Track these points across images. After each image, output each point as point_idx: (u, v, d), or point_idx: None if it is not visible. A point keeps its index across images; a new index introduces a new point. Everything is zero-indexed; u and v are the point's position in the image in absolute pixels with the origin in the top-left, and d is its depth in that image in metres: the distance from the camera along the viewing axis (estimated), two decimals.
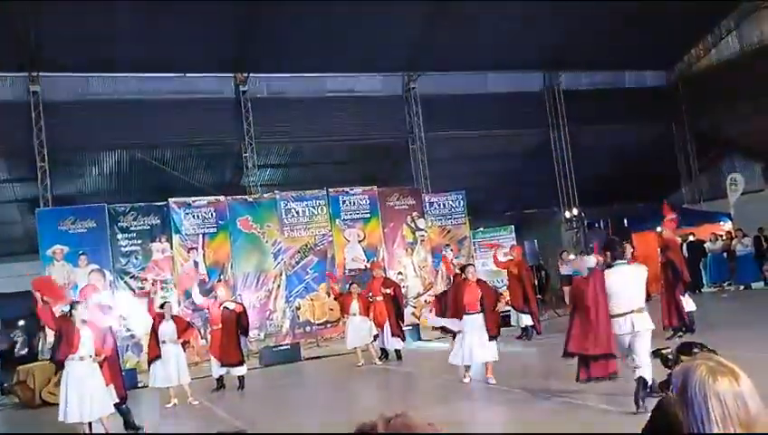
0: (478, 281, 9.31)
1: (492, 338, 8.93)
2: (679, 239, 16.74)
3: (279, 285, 15.57)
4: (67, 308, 8.23)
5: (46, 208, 15.15)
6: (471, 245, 17.91)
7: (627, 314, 6.58)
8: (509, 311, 14.39)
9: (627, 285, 6.66)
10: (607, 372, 7.08)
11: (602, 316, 6.63)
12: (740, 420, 1.59)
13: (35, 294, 8.13)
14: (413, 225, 17.23)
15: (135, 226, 14.49)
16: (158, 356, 9.91)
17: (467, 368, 9.11)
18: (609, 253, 6.96)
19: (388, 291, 12.29)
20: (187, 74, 17.51)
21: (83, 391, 7.71)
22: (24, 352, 17.19)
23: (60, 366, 7.92)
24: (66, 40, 15.11)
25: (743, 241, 17.48)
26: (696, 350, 2.18)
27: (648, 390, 6.39)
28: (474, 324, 8.88)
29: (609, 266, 6.83)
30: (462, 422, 6.89)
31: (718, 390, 1.61)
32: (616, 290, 6.65)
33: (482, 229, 18.84)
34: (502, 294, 9.85)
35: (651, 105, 22.33)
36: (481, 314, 8.91)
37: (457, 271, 11.14)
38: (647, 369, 6.43)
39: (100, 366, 7.97)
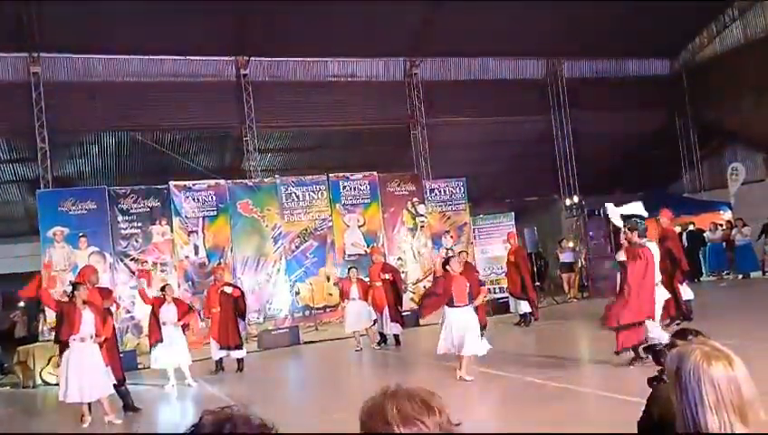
0: (464, 270, 8.93)
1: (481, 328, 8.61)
2: (679, 228, 16.81)
3: (279, 269, 15.62)
4: (69, 289, 8.28)
5: (47, 190, 15.15)
6: (471, 231, 17.93)
7: (658, 283, 7.91)
8: (507, 298, 14.46)
9: (656, 258, 7.92)
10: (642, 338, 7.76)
11: (650, 286, 7.70)
12: (733, 405, 1.59)
13: (35, 281, 8.21)
14: (413, 210, 17.25)
15: (135, 208, 14.50)
16: (160, 340, 9.96)
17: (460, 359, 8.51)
18: (635, 232, 7.85)
19: (387, 276, 12.30)
20: (189, 57, 17.43)
21: (84, 371, 7.75)
22: (25, 333, 17.24)
23: (63, 347, 7.96)
24: (67, 21, 15.04)
25: (742, 231, 17.48)
26: (690, 336, 2.19)
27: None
28: (461, 318, 8.44)
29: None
30: (458, 407, 6.93)
31: (713, 374, 1.61)
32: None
33: (482, 216, 18.84)
34: (484, 285, 9.58)
35: (654, 93, 22.22)
36: (469, 306, 8.53)
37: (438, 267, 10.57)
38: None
39: (100, 347, 8.01)
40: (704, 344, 1.70)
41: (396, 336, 12.24)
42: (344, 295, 12.42)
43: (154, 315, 10.15)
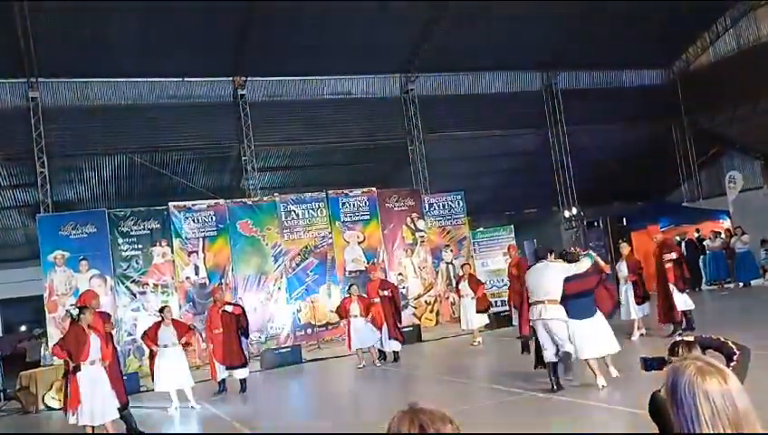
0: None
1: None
2: (678, 238, 16.85)
3: (279, 288, 15.62)
4: (75, 312, 8.33)
5: (47, 214, 15.17)
6: (470, 245, 17.95)
7: None
8: (508, 310, 14.45)
9: None
10: None
11: None
12: (728, 419, 1.63)
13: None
14: (413, 226, 17.28)
15: (135, 230, 14.54)
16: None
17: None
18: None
19: (385, 293, 12.28)
20: (186, 78, 17.55)
21: (95, 394, 7.82)
22: (37, 357, 16.95)
23: (68, 372, 8.01)
24: (64, 45, 15.16)
25: (742, 238, 17.49)
26: (682, 351, 2.23)
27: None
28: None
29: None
30: (464, 423, 6.91)
31: (707, 389, 1.65)
32: None
33: (481, 229, 18.87)
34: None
35: (650, 104, 22.34)
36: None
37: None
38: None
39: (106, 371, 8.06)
40: (698, 360, 1.74)
41: (395, 353, 12.20)
42: (345, 313, 12.38)
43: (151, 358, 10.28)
